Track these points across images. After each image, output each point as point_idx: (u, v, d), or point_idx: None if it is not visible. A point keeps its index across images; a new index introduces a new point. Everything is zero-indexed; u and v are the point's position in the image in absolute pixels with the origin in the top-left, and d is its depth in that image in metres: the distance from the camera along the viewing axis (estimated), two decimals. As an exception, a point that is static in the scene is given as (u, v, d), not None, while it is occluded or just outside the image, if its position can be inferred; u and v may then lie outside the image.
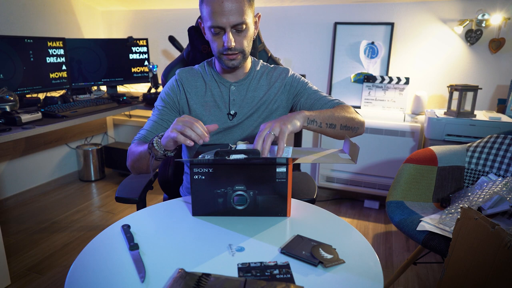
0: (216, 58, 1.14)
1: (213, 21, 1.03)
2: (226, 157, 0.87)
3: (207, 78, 1.21)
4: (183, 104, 1.20)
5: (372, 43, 2.58)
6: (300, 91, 1.22)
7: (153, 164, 1.04)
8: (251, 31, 1.10)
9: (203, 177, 0.91)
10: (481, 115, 2.21)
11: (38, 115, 1.97)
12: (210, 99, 1.19)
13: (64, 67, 2.57)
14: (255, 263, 0.74)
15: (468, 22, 2.33)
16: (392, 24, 2.52)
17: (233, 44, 1.05)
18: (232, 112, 1.19)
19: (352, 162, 0.91)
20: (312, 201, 1.20)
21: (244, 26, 1.05)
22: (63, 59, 2.56)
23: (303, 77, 1.26)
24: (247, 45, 1.10)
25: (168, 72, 1.44)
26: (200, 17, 1.13)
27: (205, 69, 1.23)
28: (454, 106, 2.21)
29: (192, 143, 0.90)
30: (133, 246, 0.80)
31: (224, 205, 0.93)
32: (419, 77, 2.56)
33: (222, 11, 1.01)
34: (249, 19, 1.07)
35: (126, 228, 0.87)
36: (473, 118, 2.12)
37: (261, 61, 1.28)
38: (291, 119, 0.95)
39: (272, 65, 1.28)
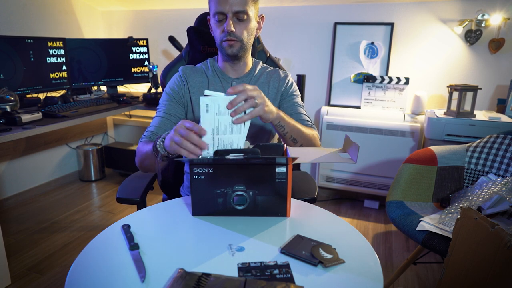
0: (219, 49, 1.18)
1: (216, 7, 1.10)
2: (226, 157, 0.88)
3: (209, 74, 1.25)
4: (187, 99, 1.23)
5: (372, 43, 2.58)
6: (287, 99, 1.27)
7: (161, 164, 1.05)
8: (252, 25, 1.15)
9: (203, 177, 0.91)
10: (481, 115, 2.21)
11: (38, 115, 1.97)
12: None
13: (64, 67, 2.57)
14: (255, 263, 0.75)
15: (467, 22, 2.33)
16: (392, 24, 2.52)
17: (232, 28, 1.10)
18: None
19: (352, 162, 0.92)
20: (313, 200, 1.20)
21: (245, 16, 1.11)
22: (63, 59, 2.56)
23: (297, 88, 1.32)
24: (247, 36, 1.15)
25: (167, 72, 1.44)
26: (208, 14, 1.18)
27: (208, 65, 1.27)
28: (454, 106, 2.21)
29: (192, 156, 0.86)
30: (133, 246, 0.80)
31: (224, 205, 0.93)
32: (419, 77, 2.56)
33: None
34: (251, 12, 1.12)
35: (126, 228, 0.87)
36: (473, 118, 2.12)
37: (261, 62, 1.32)
38: (272, 108, 1.00)
39: (272, 68, 1.32)
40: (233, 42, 1.13)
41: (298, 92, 1.30)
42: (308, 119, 1.25)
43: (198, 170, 0.91)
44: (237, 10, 1.09)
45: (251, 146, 0.98)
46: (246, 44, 1.16)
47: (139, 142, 1.15)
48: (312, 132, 1.18)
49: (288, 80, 1.29)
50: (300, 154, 0.98)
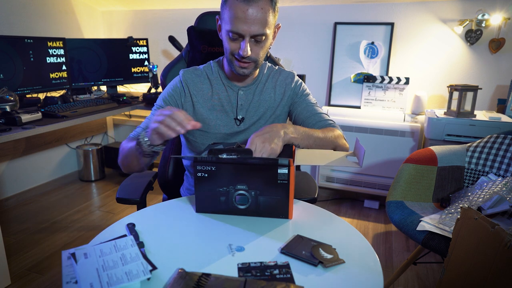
0: (227, 60, 1.10)
1: (233, 26, 0.99)
2: (219, 156, 0.88)
3: (213, 80, 1.17)
4: (188, 107, 1.16)
5: (372, 43, 2.58)
6: (299, 100, 1.22)
7: (144, 161, 1.01)
8: (269, 42, 1.07)
9: (206, 175, 0.92)
10: (481, 115, 2.21)
11: (38, 115, 1.97)
12: (217, 102, 1.16)
13: (64, 67, 2.57)
14: (255, 263, 0.75)
15: (468, 22, 2.33)
16: (392, 24, 2.52)
17: (249, 53, 1.01)
18: (239, 117, 1.18)
19: (357, 166, 0.92)
20: (313, 201, 1.20)
21: (263, 38, 1.01)
22: (63, 59, 2.56)
23: (306, 86, 1.25)
24: (262, 55, 1.07)
25: (167, 72, 1.44)
26: (219, 14, 1.08)
27: (212, 69, 1.18)
28: (454, 106, 2.21)
29: (174, 134, 0.86)
30: (138, 244, 0.80)
31: (227, 203, 0.93)
32: (419, 77, 2.56)
33: (245, 18, 0.96)
34: (270, 30, 1.03)
35: (131, 227, 0.88)
36: (473, 118, 2.12)
37: (267, 62, 1.26)
38: (281, 133, 0.95)
39: (277, 67, 1.26)
40: (246, 65, 1.05)
41: (308, 90, 1.24)
42: (328, 117, 1.19)
43: (202, 168, 0.91)
44: (256, 34, 0.99)
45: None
46: (261, 63, 1.09)
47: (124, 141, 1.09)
48: (333, 134, 1.10)
49: (296, 81, 1.23)
50: (307, 157, 0.98)
